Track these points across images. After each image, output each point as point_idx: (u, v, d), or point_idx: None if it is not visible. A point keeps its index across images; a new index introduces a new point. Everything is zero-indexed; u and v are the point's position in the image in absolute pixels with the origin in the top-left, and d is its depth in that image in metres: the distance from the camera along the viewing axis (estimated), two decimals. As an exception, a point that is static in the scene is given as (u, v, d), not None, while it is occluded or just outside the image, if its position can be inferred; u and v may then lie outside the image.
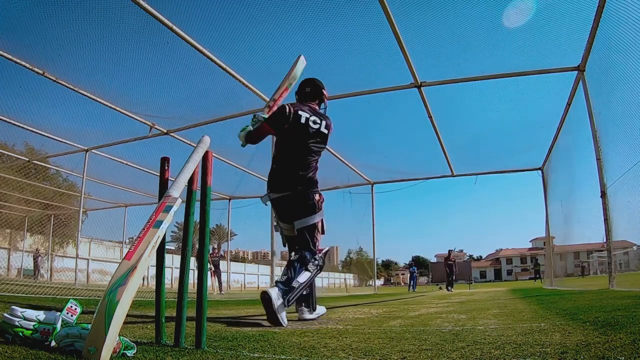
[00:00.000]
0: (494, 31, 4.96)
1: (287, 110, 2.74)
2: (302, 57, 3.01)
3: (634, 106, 4.28)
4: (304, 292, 2.66)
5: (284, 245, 2.99)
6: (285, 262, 2.97)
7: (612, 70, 4.72)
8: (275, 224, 2.97)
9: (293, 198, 2.71)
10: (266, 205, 2.88)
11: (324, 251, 2.79)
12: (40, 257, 17.09)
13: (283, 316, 2.41)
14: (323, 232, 2.79)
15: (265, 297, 2.39)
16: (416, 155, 9.68)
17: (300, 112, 2.77)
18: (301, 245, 2.71)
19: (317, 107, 2.94)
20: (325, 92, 3.04)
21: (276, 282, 2.56)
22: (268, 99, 2.96)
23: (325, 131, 2.83)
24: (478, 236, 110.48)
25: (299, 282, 2.52)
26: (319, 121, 2.81)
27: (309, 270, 2.60)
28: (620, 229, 5.11)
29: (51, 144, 8.70)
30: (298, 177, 2.71)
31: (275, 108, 2.84)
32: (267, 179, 2.87)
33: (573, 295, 4.57)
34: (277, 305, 2.37)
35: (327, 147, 2.91)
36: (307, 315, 2.79)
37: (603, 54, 4.69)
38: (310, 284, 2.72)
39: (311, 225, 2.72)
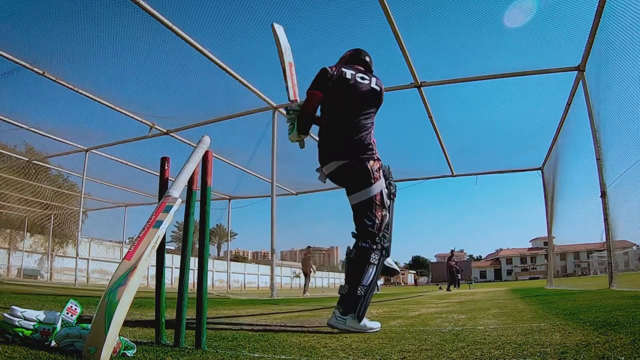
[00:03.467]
0: (494, 31, 4.97)
1: (329, 70, 2.35)
2: (275, 25, 2.62)
3: (633, 106, 4.28)
4: (353, 292, 2.14)
5: None
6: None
7: (612, 70, 4.72)
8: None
9: (344, 168, 2.27)
10: (324, 182, 2.47)
11: (385, 224, 2.29)
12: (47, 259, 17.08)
13: (367, 324, 2.08)
14: (384, 206, 2.28)
15: (335, 327, 2.08)
16: (416, 155, 9.70)
17: (344, 69, 2.37)
18: (358, 228, 2.25)
19: (362, 68, 2.50)
20: (368, 59, 2.59)
21: (339, 294, 2.18)
22: (285, 89, 2.60)
23: (377, 88, 2.39)
24: (478, 236, 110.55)
25: (364, 286, 2.10)
26: (367, 77, 2.41)
27: (373, 263, 2.16)
28: (619, 228, 5.12)
29: (51, 144, 8.71)
30: (349, 142, 2.27)
31: (295, 88, 2.49)
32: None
33: (573, 295, 4.57)
34: (352, 328, 2.03)
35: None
36: (334, 322, 2.11)
37: (603, 54, 4.69)
38: (370, 287, 2.17)
39: (367, 200, 2.23)
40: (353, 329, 2.03)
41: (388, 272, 2.40)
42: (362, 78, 2.39)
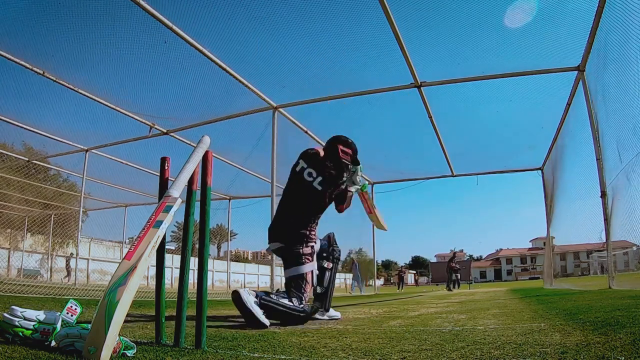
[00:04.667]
0: (494, 31, 4.96)
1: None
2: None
3: (633, 105, 4.28)
4: (319, 291, 2.79)
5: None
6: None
7: (612, 70, 4.72)
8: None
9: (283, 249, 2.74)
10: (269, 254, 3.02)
11: (308, 296, 2.75)
12: (70, 260, 17.19)
13: (259, 312, 2.39)
14: (312, 284, 2.76)
15: (235, 297, 2.41)
16: (416, 155, 9.69)
17: (300, 162, 2.79)
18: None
19: (323, 161, 2.77)
20: (341, 148, 2.84)
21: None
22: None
23: (318, 187, 2.70)
24: (478, 236, 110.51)
25: (280, 302, 2.51)
26: (314, 175, 2.72)
27: (295, 305, 2.57)
28: (616, 227, 5.12)
29: (51, 144, 8.70)
30: (289, 232, 2.73)
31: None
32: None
33: (573, 295, 4.57)
34: (245, 298, 2.36)
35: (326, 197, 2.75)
36: (318, 316, 2.79)
37: (603, 54, 4.69)
38: (330, 284, 2.85)
39: (298, 275, 2.69)
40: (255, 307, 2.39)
41: (319, 299, 2.88)
42: (309, 174, 2.73)
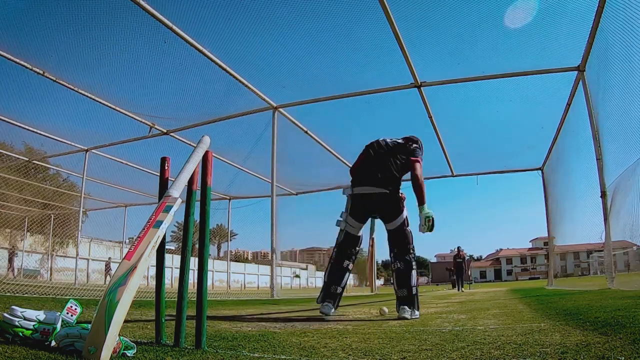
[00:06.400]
0: (494, 31, 4.96)
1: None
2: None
3: (633, 106, 4.28)
4: (406, 293, 2.87)
5: (339, 242, 3.14)
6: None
7: (612, 70, 4.72)
8: (342, 218, 3.14)
9: (383, 197, 2.98)
10: (345, 195, 3.17)
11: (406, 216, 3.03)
12: (15, 256, 16.53)
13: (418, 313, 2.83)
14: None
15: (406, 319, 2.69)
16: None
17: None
18: (397, 245, 2.96)
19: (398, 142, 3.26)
20: (415, 142, 3.29)
21: (401, 301, 2.84)
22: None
23: (404, 144, 3.20)
24: (478, 236, 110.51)
25: (415, 286, 2.86)
26: (388, 140, 3.23)
27: (414, 268, 2.91)
28: (617, 228, 5.12)
29: (51, 144, 8.70)
30: (391, 180, 3.02)
31: None
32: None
33: (573, 295, 4.57)
34: (416, 317, 2.75)
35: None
36: (407, 315, 2.75)
37: (603, 54, 4.69)
38: (417, 285, 2.97)
39: (403, 223, 2.99)
40: (416, 318, 2.74)
41: (409, 300, 2.94)
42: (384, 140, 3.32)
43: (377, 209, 3.06)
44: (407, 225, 3.00)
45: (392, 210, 2.98)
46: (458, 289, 13.52)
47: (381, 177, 3.00)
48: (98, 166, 9.73)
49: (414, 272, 2.89)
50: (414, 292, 2.83)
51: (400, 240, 2.95)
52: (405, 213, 3.01)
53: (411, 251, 2.93)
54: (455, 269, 14.36)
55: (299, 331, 2.07)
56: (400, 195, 3.04)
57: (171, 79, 6.14)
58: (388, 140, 3.22)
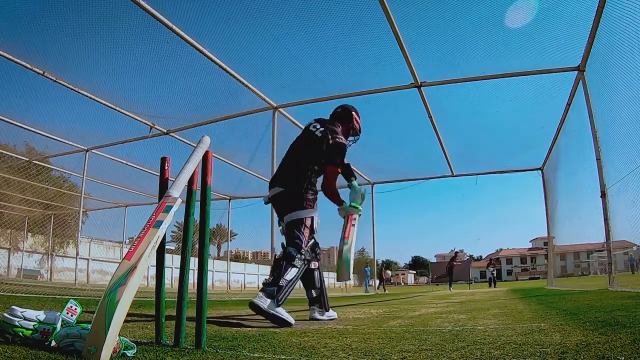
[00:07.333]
0: (494, 31, 4.96)
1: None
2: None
3: (633, 106, 4.28)
4: (314, 294, 2.74)
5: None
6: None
7: (612, 70, 4.72)
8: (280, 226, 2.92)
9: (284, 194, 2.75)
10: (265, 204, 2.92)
11: (310, 244, 2.68)
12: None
13: (282, 313, 2.39)
14: (312, 231, 2.70)
15: (254, 309, 2.37)
16: (416, 155, 9.68)
17: (312, 121, 2.97)
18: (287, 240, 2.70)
19: (332, 122, 2.99)
20: (355, 116, 3.10)
21: (263, 284, 2.51)
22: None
23: (319, 134, 2.79)
24: (478, 236, 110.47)
25: (286, 279, 2.47)
26: (318, 126, 2.86)
27: (296, 266, 2.54)
28: (623, 229, 5.10)
29: (51, 144, 8.71)
30: (290, 175, 2.78)
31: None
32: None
33: (573, 295, 4.57)
34: (270, 310, 2.35)
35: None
36: (318, 315, 2.76)
37: (603, 54, 4.69)
38: (322, 286, 2.78)
39: (297, 220, 2.67)
40: (270, 312, 2.35)
41: (317, 300, 2.79)
42: (314, 127, 2.93)
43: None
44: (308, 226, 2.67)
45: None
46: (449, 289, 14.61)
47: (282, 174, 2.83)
48: (98, 166, 9.74)
49: (292, 268, 2.52)
50: (316, 295, 2.74)
51: (291, 234, 2.66)
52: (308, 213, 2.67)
53: (302, 247, 2.60)
54: (447, 271, 15.92)
55: (299, 331, 2.07)
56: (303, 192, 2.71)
57: (171, 79, 6.14)
58: (318, 125, 2.88)
